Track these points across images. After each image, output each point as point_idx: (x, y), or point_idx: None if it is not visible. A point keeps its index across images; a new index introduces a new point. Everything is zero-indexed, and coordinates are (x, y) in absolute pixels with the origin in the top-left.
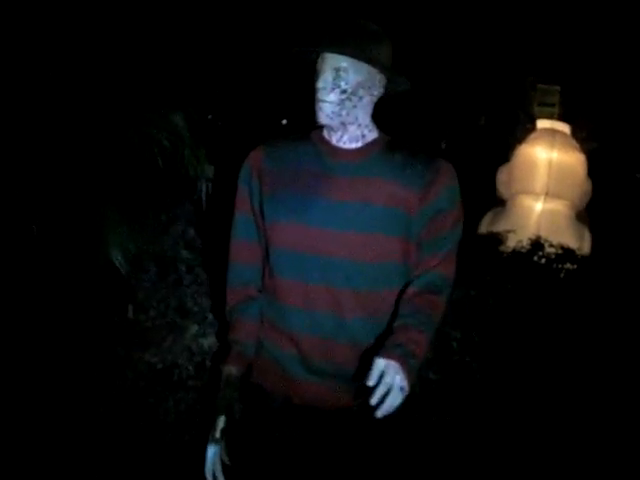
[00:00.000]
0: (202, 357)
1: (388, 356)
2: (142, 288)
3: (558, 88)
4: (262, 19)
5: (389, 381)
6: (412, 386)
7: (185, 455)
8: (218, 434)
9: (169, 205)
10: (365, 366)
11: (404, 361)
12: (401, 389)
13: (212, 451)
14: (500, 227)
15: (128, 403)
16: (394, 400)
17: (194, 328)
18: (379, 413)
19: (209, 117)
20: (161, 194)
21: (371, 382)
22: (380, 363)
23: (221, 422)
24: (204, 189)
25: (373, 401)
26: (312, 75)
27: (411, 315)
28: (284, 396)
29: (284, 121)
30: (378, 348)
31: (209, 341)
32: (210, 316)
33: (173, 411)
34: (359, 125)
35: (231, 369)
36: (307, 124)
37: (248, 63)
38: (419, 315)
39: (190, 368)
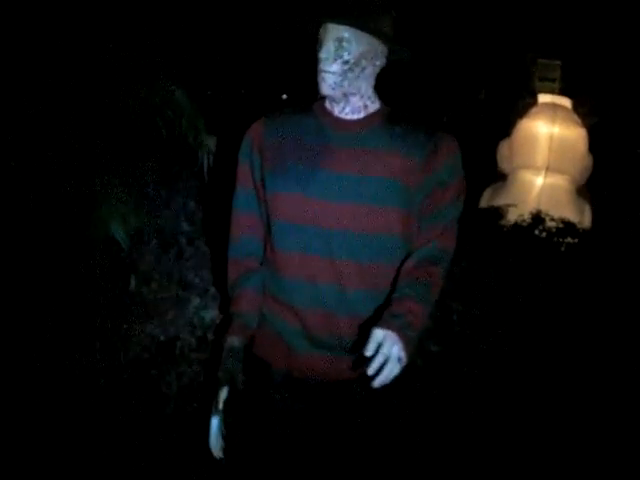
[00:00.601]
0: (204, 330)
1: (386, 327)
2: (144, 261)
3: (559, 63)
4: None
5: (386, 352)
6: (411, 357)
7: (187, 428)
8: (221, 406)
9: (170, 178)
10: (365, 338)
11: (402, 332)
12: (399, 360)
13: (216, 423)
14: (501, 201)
15: (130, 376)
16: (391, 371)
17: (196, 301)
18: (376, 383)
19: (208, 93)
20: (161, 167)
21: (368, 353)
22: (378, 334)
23: (224, 394)
24: (205, 161)
25: (370, 371)
26: (314, 46)
27: (409, 286)
28: (286, 369)
29: (284, 96)
30: (378, 320)
31: (211, 314)
32: (212, 289)
33: (175, 384)
34: (361, 96)
35: (234, 340)
36: (307, 99)
37: (249, 37)
38: (417, 286)
39: (192, 341)
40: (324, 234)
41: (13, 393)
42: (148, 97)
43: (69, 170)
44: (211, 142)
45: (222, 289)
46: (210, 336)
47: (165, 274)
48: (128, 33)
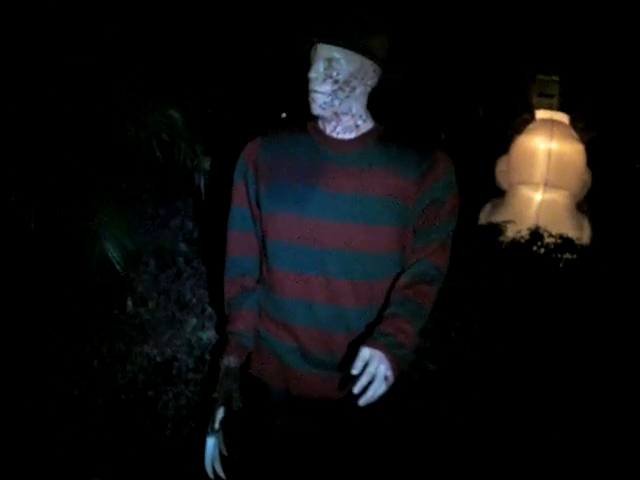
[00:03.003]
0: (201, 350)
1: (373, 345)
2: (141, 281)
3: (557, 78)
4: (260, 10)
5: (372, 370)
6: (406, 375)
7: (184, 448)
8: (217, 425)
9: (167, 198)
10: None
11: (389, 351)
12: (385, 378)
13: (211, 442)
14: (499, 217)
15: (127, 396)
16: (376, 390)
17: (193, 321)
18: (361, 402)
19: (209, 111)
20: (159, 187)
21: (355, 371)
22: (365, 352)
23: (220, 413)
24: (202, 182)
25: (355, 390)
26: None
27: (400, 304)
28: (282, 387)
29: (284, 114)
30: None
31: (208, 334)
32: (209, 309)
33: (172, 404)
34: (352, 115)
35: (230, 360)
36: (307, 118)
37: (248, 56)
38: (408, 304)
39: (189, 361)
40: (320, 254)
41: (11, 414)
42: (145, 119)
43: (66, 190)
44: (207, 163)
45: (219, 309)
46: (207, 357)
47: (162, 294)
48: (126, 56)
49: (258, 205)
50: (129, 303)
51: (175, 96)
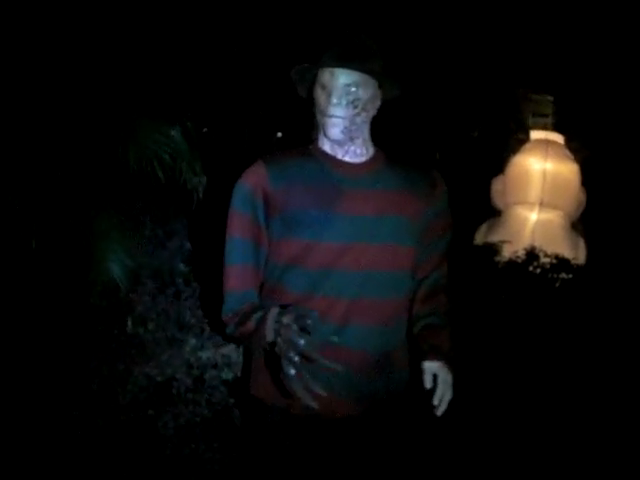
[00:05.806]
0: (200, 371)
1: (433, 358)
2: (141, 301)
3: (551, 98)
4: (258, 31)
5: (446, 379)
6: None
7: (184, 468)
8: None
9: (165, 218)
10: (379, 374)
11: (447, 359)
12: (452, 386)
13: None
14: (495, 238)
15: (127, 416)
16: (449, 396)
17: (192, 341)
18: (440, 411)
19: (204, 130)
20: (157, 207)
21: (428, 385)
22: (430, 366)
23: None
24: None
25: (436, 401)
26: (313, 90)
27: (432, 316)
28: (284, 406)
29: (279, 134)
30: (390, 355)
31: (207, 354)
32: (208, 329)
33: (172, 424)
34: (364, 139)
35: (273, 308)
36: (303, 137)
37: (242, 75)
38: (438, 314)
39: (188, 382)
40: (339, 276)
41: (11, 433)
42: (146, 139)
43: (66, 211)
44: (203, 181)
45: (218, 329)
46: (206, 376)
47: (162, 314)
48: (124, 74)
49: (268, 232)
50: (129, 323)
51: (174, 115)
